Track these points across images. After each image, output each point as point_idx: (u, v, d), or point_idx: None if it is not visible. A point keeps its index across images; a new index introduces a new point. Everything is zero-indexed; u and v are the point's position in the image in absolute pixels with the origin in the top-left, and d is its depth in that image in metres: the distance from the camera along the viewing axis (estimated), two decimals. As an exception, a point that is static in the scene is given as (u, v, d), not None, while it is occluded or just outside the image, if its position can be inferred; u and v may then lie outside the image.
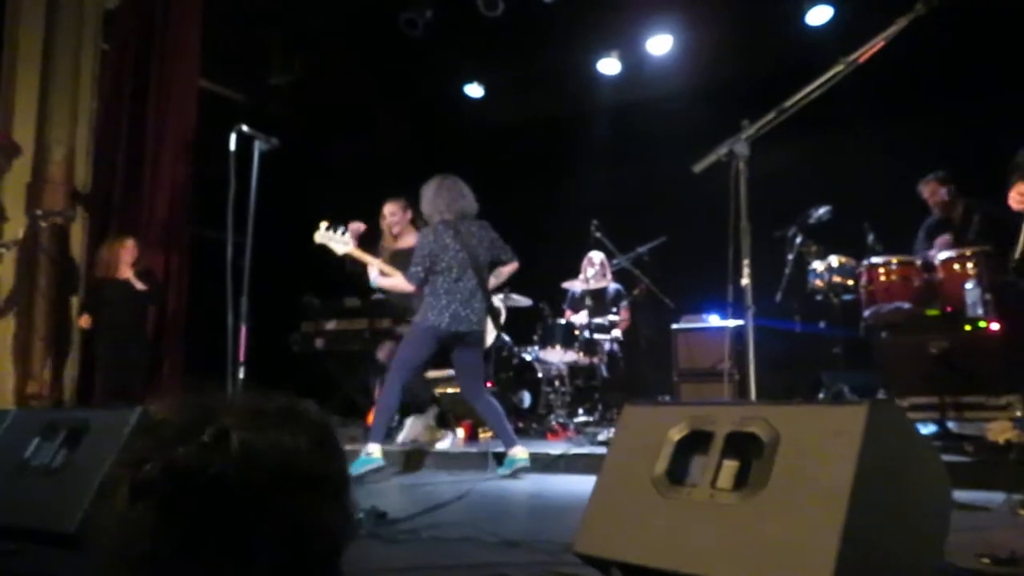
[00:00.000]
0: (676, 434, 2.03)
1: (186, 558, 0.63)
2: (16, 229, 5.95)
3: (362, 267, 4.69)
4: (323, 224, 4.46)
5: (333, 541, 0.72)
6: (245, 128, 3.76)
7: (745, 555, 1.70)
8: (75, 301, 6.33)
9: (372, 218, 5.39)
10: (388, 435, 4.91)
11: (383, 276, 4.57)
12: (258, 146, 3.83)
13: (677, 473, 1.98)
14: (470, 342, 4.51)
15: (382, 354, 5.34)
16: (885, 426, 1.74)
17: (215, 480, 0.64)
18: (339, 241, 4.47)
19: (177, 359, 6.29)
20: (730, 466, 1.91)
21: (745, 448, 1.90)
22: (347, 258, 4.64)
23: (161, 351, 6.23)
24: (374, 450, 4.42)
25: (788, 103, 2.74)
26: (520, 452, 4.46)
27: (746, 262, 2.74)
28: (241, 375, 3.67)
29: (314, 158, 7.66)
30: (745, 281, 2.75)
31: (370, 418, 6.11)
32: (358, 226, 4.86)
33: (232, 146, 3.70)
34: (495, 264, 4.69)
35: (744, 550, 1.71)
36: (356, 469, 4.29)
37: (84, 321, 5.80)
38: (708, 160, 2.87)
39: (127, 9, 7.04)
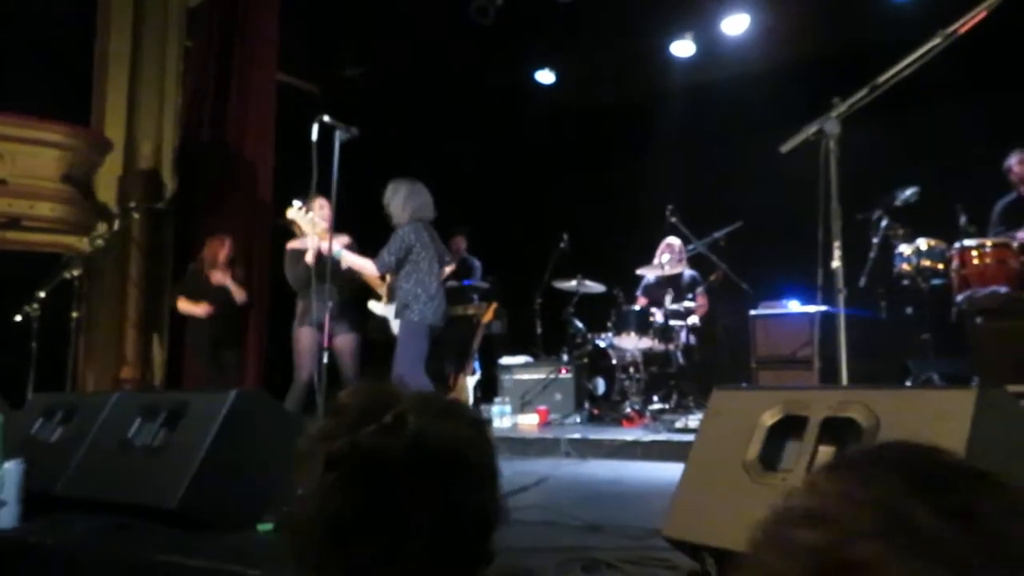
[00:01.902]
0: (769, 419, 1.99)
1: (364, 522, 0.75)
2: (109, 221, 6.22)
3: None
4: (295, 203, 4.40)
5: (486, 522, 0.81)
6: (326, 118, 3.82)
7: (845, 542, 1.66)
8: (166, 289, 6.56)
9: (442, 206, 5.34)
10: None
11: (349, 254, 4.55)
12: (338, 135, 3.89)
13: (770, 458, 1.94)
14: (438, 332, 4.62)
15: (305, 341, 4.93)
16: (995, 412, 1.67)
17: (393, 458, 0.75)
18: (306, 220, 4.45)
19: (260, 345, 6.48)
20: (826, 452, 1.86)
21: (842, 434, 1.85)
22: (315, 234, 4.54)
23: (246, 338, 6.43)
24: None
25: (881, 79, 2.63)
26: None
27: (836, 244, 2.66)
28: (325, 360, 3.76)
29: (388, 148, 7.77)
30: (836, 264, 2.66)
31: (447, 403, 6.22)
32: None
33: (314, 136, 3.77)
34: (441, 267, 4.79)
35: (844, 537, 1.66)
36: None
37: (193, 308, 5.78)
38: (796, 140, 2.78)
39: (209, 7, 7.26)
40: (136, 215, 6.21)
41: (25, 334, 5.04)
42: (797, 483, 1.78)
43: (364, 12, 7.80)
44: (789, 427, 1.96)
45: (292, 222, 4.57)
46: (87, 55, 6.86)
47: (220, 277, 5.63)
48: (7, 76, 6.13)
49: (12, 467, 2.64)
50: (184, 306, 5.62)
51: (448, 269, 5.01)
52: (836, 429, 1.85)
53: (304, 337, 4.99)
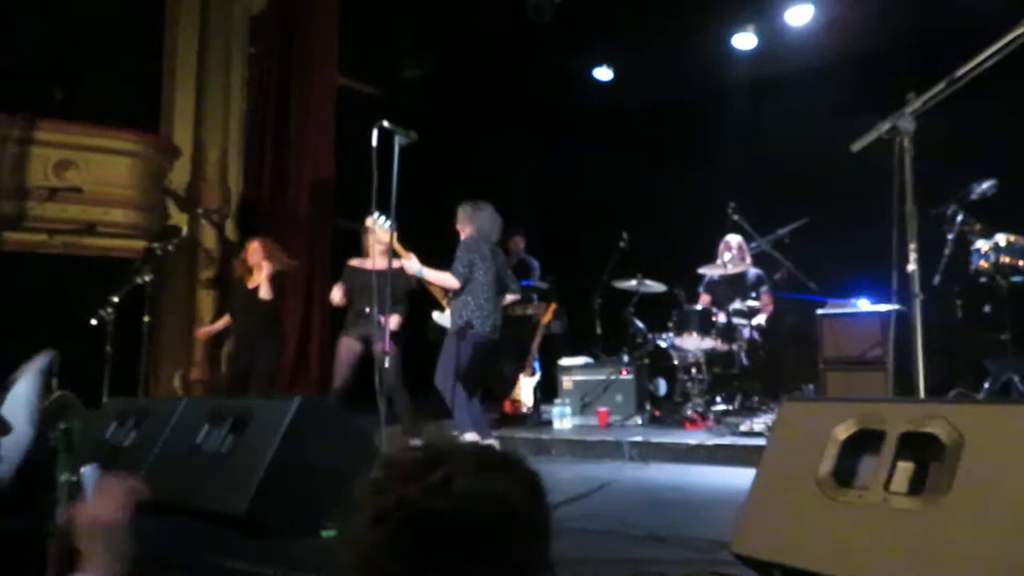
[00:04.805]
0: (842, 432, 1.91)
1: None
2: (180, 226, 6.40)
3: None
4: (375, 212, 4.39)
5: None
6: (386, 123, 3.84)
7: (927, 566, 1.58)
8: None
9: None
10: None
11: (427, 269, 4.68)
12: (398, 140, 3.91)
13: (844, 474, 1.87)
14: (490, 346, 4.76)
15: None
16: (1091, 429, 1.57)
17: (438, 518, 0.75)
18: (383, 229, 4.44)
19: (323, 348, 6.59)
20: (905, 468, 1.78)
21: (922, 449, 1.77)
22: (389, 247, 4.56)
23: (308, 341, 6.55)
24: (475, 439, 4.51)
25: (960, 72, 2.50)
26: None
27: (912, 246, 2.54)
28: (387, 364, 3.78)
29: (446, 148, 7.80)
30: (912, 267, 2.54)
31: (507, 405, 6.22)
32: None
33: (374, 141, 3.79)
34: (501, 291, 4.95)
35: (926, 560, 1.59)
36: None
37: (203, 333, 6.02)
38: (868, 138, 2.66)
39: (270, 14, 7.40)
40: (204, 220, 6.37)
41: (100, 337, 5.22)
42: (875, 500, 1.70)
43: (422, 13, 7.84)
44: (864, 441, 1.88)
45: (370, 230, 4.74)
46: (156, 64, 7.07)
47: (258, 265, 5.48)
48: (81, 87, 6.36)
49: (89, 471, 2.71)
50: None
51: (510, 297, 5.18)
52: (916, 445, 1.77)
53: (342, 346, 5.14)
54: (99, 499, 1.22)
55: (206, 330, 5.99)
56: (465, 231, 4.81)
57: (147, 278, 5.43)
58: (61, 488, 2.72)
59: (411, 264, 4.64)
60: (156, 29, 7.08)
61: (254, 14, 7.47)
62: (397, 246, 4.54)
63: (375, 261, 5.21)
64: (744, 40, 7.51)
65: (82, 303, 5.36)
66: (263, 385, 5.50)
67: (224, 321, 5.76)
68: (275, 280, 5.44)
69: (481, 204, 4.86)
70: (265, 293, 5.35)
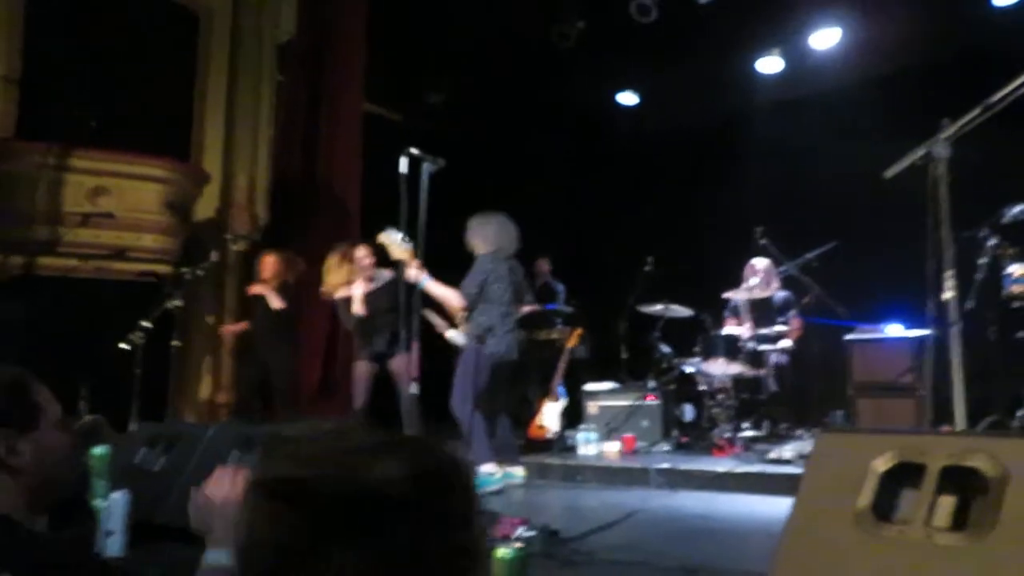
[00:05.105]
0: (881, 465, 1.87)
1: (284, 554, 0.72)
2: (208, 252, 6.47)
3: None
4: (390, 228, 4.36)
5: (428, 571, 0.74)
6: (414, 150, 3.86)
7: (973, 605, 1.54)
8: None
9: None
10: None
11: (433, 283, 4.49)
12: (426, 168, 3.93)
13: (884, 508, 1.82)
14: (510, 367, 4.69)
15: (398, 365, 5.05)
16: None
17: (300, 489, 0.72)
18: (399, 246, 4.36)
19: (348, 370, 6.59)
20: (947, 503, 1.73)
21: (964, 484, 1.72)
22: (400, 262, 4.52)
23: (335, 365, 6.57)
24: (493, 469, 4.44)
25: (996, 97, 2.48)
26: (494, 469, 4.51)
27: (949, 273, 2.50)
28: (413, 390, 3.78)
29: (470, 173, 7.84)
30: (948, 295, 2.50)
31: (532, 430, 6.18)
32: None
33: (403, 168, 3.81)
34: (517, 302, 4.88)
35: (972, 599, 1.54)
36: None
37: (227, 331, 6.20)
38: (901, 164, 2.64)
39: (299, 43, 7.52)
40: (232, 246, 6.45)
41: (129, 361, 5.28)
42: (917, 536, 1.66)
43: (444, 38, 7.92)
44: (904, 474, 1.83)
45: (383, 245, 4.61)
46: (187, 93, 7.20)
47: (258, 288, 5.76)
48: (115, 116, 6.48)
49: (119, 497, 2.73)
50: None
51: (526, 308, 5.08)
52: (957, 478, 1.73)
53: (358, 369, 5.17)
54: (218, 481, 1.30)
55: (229, 328, 6.16)
56: (476, 246, 4.71)
57: (177, 303, 5.49)
58: (97, 514, 2.73)
59: (413, 272, 4.35)
60: (187, 59, 7.23)
61: (282, 43, 7.60)
62: (405, 254, 4.35)
63: (364, 286, 5.31)
64: (770, 64, 7.51)
65: (112, 327, 5.43)
66: (280, 394, 5.64)
67: (245, 324, 6.03)
68: (282, 291, 5.71)
69: (490, 216, 4.75)
70: (275, 303, 5.66)
